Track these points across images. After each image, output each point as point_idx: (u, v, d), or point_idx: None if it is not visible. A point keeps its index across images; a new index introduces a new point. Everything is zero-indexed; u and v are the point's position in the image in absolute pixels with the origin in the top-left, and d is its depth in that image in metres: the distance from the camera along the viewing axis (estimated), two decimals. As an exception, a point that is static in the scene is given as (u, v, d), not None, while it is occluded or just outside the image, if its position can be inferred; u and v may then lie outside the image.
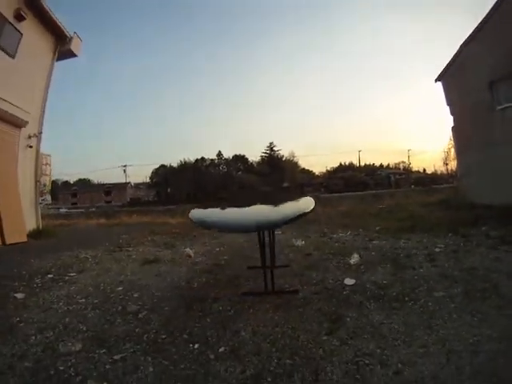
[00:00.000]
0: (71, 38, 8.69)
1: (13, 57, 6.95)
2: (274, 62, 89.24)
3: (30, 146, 7.73)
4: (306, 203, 3.11)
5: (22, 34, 7.19)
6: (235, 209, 3.67)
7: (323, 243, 4.81)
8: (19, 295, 3.06)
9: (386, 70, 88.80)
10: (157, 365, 1.80)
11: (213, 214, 3.46)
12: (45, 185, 8.26)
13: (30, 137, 7.68)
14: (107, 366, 1.79)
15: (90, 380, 1.61)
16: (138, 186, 56.23)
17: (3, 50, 6.70)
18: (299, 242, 4.78)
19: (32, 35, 7.60)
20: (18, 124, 7.18)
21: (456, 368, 1.52)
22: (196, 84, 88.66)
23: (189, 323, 2.34)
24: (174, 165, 46.87)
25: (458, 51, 8.82)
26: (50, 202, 10.59)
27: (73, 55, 9.14)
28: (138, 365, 1.80)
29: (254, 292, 2.90)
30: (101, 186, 56.17)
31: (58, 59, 8.88)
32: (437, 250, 3.82)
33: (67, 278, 3.76)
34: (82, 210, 29.18)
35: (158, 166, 49.96)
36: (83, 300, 2.97)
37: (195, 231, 7.36)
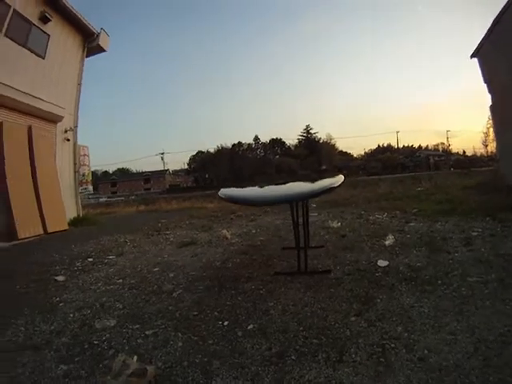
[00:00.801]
0: (98, 34, 9.45)
1: (43, 57, 7.74)
2: (310, 46, 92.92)
3: (67, 139, 8.71)
4: (335, 180, 3.36)
5: (48, 35, 7.92)
6: (269, 186, 4.10)
7: (359, 225, 4.98)
8: (60, 278, 3.49)
9: (423, 49, 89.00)
10: (186, 340, 1.93)
11: (244, 191, 3.86)
12: (84, 174, 9.27)
13: (66, 131, 8.62)
14: (139, 341, 1.96)
15: (122, 353, 1.75)
16: (176, 172, 60.20)
17: (32, 52, 7.45)
18: (335, 224, 4.96)
19: (59, 35, 8.37)
20: (53, 119, 8.04)
21: (483, 359, 1.50)
22: (232, 69, 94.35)
23: (220, 301, 2.46)
24: (212, 150, 50.05)
25: (493, 23, 8.02)
26: (92, 191, 11.86)
27: (102, 50, 9.93)
28: (168, 339, 1.94)
29: (286, 272, 3.01)
30: (140, 174, 60.83)
31: (89, 55, 9.72)
32: (474, 234, 3.84)
33: (106, 260, 4.21)
34: (122, 198, 32.26)
35: (195, 152, 53.83)
36: (121, 281, 3.29)
37: (232, 214, 7.87)
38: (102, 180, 59.88)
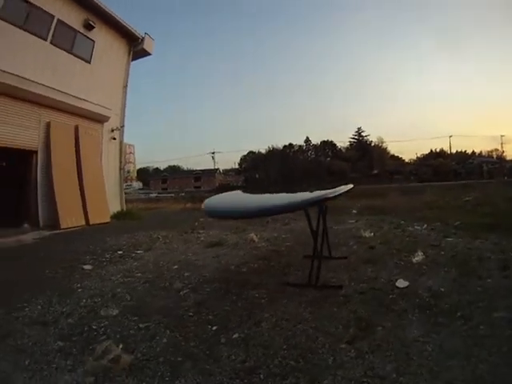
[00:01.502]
0: (143, 38, 10.70)
1: (89, 62, 9.06)
2: (364, 46, 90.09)
3: (114, 138, 9.99)
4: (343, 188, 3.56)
5: (93, 41, 9.23)
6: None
7: (393, 236, 4.92)
8: (87, 267, 4.02)
9: (480, 51, 79.13)
10: (171, 338, 2.08)
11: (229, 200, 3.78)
12: (129, 171, 10.48)
13: (112, 130, 9.91)
14: (131, 331, 2.19)
15: (111, 340, 2.00)
16: (227, 172, 63.57)
17: (79, 57, 8.77)
18: (367, 233, 4.95)
19: (104, 40, 9.71)
20: (100, 120, 9.32)
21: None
22: (283, 70, 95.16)
23: (219, 305, 2.58)
24: (263, 151, 52.57)
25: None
26: (138, 187, 13.33)
27: (147, 54, 11.21)
28: (156, 335, 2.13)
29: (296, 283, 3.02)
30: (190, 172, 64.68)
31: (135, 58, 11.07)
32: (515, 256, 3.56)
33: (134, 254, 4.69)
34: (172, 195, 35.32)
35: (246, 152, 56.80)
36: (139, 274, 3.65)
37: (269, 217, 7.93)
38: (153, 176, 65.76)
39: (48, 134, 7.68)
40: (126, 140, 10.46)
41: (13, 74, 6.53)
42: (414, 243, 4.30)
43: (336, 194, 3.05)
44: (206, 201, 3.44)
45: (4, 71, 6.42)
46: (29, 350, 1.97)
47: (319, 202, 2.90)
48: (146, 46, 10.77)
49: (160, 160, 75.88)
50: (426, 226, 5.60)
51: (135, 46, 10.66)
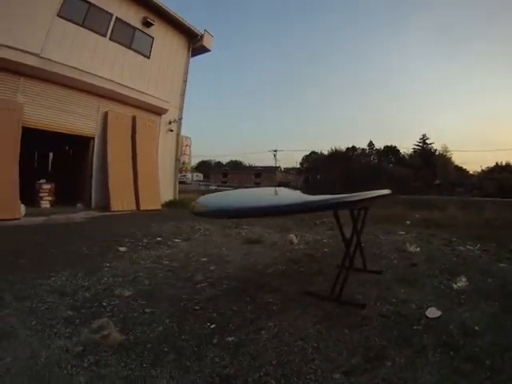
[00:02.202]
0: (202, 35, 11.52)
1: (148, 57, 10.07)
2: (435, 47, 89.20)
3: (171, 130, 10.91)
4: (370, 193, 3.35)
5: (152, 38, 10.21)
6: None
7: (440, 254, 4.74)
8: (122, 249, 4.44)
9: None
10: (167, 327, 2.17)
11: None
12: (184, 163, 11.34)
13: (170, 122, 10.85)
14: (134, 314, 2.36)
15: (113, 318, 2.20)
16: (288, 170, 65.67)
17: (138, 53, 9.77)
18: (413, 248, 4.84)
19: (164, 37, 10.68)
20: (157, 112, 10.26)
21: None
22: (350, 71, 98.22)
23: (229, 304, 2.59)
24: (325, 152, 53.97)
25: None
26: (190, 178, 14.33)
27: (206, 50, 12.04)
28: (155, 321, 2.24)
29: (317, 294, 2.87)
30: (251, 168, 69.13)
31: (195, 54, 11.94)
32: None
33: (170, 242, 5.04)
34: (231, 188, 38.36)
35: (308, 152, 58.41)
36: (167, 262, 3.91)
37: (318, 220, 7.98)
38: (214, 170, 71.62)
39: (105, 123, 8.79)
40: (183, 133, 11.36)
41: (74, 68, 7.69)
42: (461, 265, 4.10)
43: (358, 198, 2.71)
44: (201, 198, 3.24)
45: (66, 65, 7.55)
46: (40, 313, 2.28)
47: (336, 206, 2.57)
48: (205, 42, 11.58)
49: (222, 154, 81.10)
50: (479, 246, 5.33)
51: (194, 43, 11.54)
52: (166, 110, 10.42)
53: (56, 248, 4.28)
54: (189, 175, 11.24)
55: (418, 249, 4.81)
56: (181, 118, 11.27)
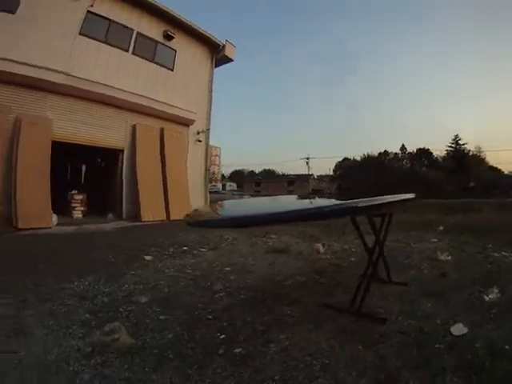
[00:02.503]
0: (224, 45, 12.00)
1: (172, 69, 10.65)
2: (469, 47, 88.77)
3: (199, 141, 11.35)
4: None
5: (175, 50, 10.78)
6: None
7: (473, 262, 4.58)
8: (148, 257, 4.62)
9: None
10: (177, 336, 2.22)
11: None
12: (213, 173, 11.67)
13: (198, 133, 11.31)
14: (147, 320, 2.45)
15: (127, 323, 2.31)
16: (321, 178, 66.91)
17: (161, 65, 10.35)
18: (444, 256, 4.68)
19: (186, 49, 11.24)
20: (185, 123, 10.75)
21: None
22: (379, 74, 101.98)
23: (243, 315, 2.60)
24: (358, 158, 54.51)
25: None
26: (220, 188, 14.70)
27: (229, 60, 12.52)
28: (166, 329, 2.31)
29: (336, 306, 2.79)
30: (284, 176, 70.38)
31: (219, 65, 12.46)
32: None
33: (196, 252, 5.17)
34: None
35: (341, 159, 59.24)
36: (190, 271, 4.01)
37: (348, 227, 7.72)
38: (247, 179, 74.47)
39: (134, 135, 9.39)
40: (213, 143, 11.80)
41: (99, 83, 8.37)
42: (495, 274, 3.87)
43: (370, 203, 2.54)
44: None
45: (91, 80, 8.23)
46: (59, 314, 2.47)
47: (346, 212, 2.39)
48: (228, 52, 12.07)
49: (255, 163, 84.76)
50: (515, 252, 5.13)
51: (217, 53, 12.04)
52: (193, 121, 10.88)
53: (83, 255, 4.62)
54: (219, 185, 11.58)
55: (450, 257, 4.65)
56: (208, 129, 11.73)
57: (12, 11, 7.15)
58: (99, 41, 8.81)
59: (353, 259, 4.74)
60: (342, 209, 2.33)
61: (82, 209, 9.38)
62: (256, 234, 6.95)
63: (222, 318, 2.53)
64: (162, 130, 9.99)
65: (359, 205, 2.34)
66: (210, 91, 11.97)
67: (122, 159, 9.30)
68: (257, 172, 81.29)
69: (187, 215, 4.05)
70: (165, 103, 9.92)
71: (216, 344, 2.12)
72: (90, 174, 13.05)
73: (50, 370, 1.76)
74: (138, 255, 4.72)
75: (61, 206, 8.71)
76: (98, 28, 8.73)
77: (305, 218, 2.51)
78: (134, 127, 9.46)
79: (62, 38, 7.90)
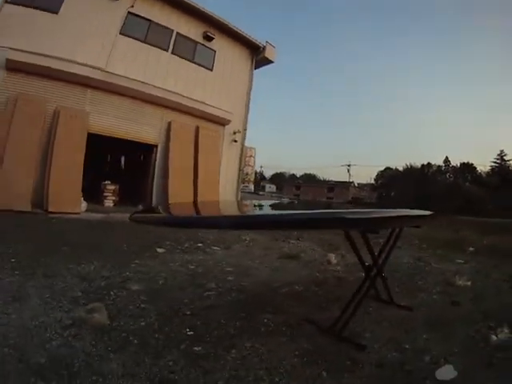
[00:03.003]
0: (264, 47, 12.24)
1: (211, 69, 11.12)
2: None
3: (235, 141, 11.68)
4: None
5: (214, 51, 11.20)
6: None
7: (495, 292, 4.15)
8: (160, 250, 4.90)
9: None
10: (148, 325, 2.43)
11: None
12: (247, 173, 11.93)
13: (234, 133, 11.63)
14: (129, 307, 2.69)
15: (111, 306, 2.61)
16: (362, 186, 67.38)
17: (200, 65, 10.83)
18: (463, 282, 4.37)
19: (226, 50, 11.65)
20: (221, 122, 11.13)
21: None
22: (426, 85, 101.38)
23: (220, 317, 2.70)
24: (400, 168, 54.57)
25: None
26: (253, 189, 14.97)
27: (269, 62, 12.76)
28: (142, 316, 2.53)
29: (317, 324, 2.71)
30: (324, 182, 72.24)
31: (259, 66, 12.79)
32: None
33: (208, 249, 5.36)
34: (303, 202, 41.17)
35: (383, 168, 58.86)
36: (193, 267, 4.21)
37: (381, 237, 7.54)
38: (288, 182, 77.07)
39: (168, 132, 9.93)
40: (256, 145, 12.25)
41: (137, 80, 8.99)
42: None
43: (366, 216, 2.38)
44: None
45: (129, 78, 8.86)
46: (56, 290, 2.85)
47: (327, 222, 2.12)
48: (268, 54, 12.28)
49: (297, 167, 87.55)
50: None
51: (257, 55, 12.32)
52: (229, 121, 11.25)
53: (100, 241, 5.04)
54: (251, 186, 11.84)
55: (469, 283, 4.33)
56: (245, 129, 12.04)
57: (56, 11, 8.07)
58: (139, 40, 9.53)
59: (363, 274, 4.54)
60: (321, 218, 2.07)
61: (114, 198, 10.13)
62: (276, 237, 7.02)
63: (199, 316, 2.67)
64: (197, 128, 10.47)
65: (347, 216, 2.15)
66: (249, 92, 12.29)
67: (156, 154, 9.94)
68: (298, 176, 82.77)
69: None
70: (201, 102, 10.40)
71: (181, 339, 2.25)
72: (125, 166, 14.19)
73: (29, 332, 2.09)
74: (151, 247, 5.04)
75: (94, 194, 9.56)
76: (137, 28, 9.45)
77: (254, 225, 2.35)
78: (169, 124, 10.04)
79: (103, 36, 8.72)
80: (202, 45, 11.00)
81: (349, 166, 60.95)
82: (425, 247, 7.40)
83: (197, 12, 10.59)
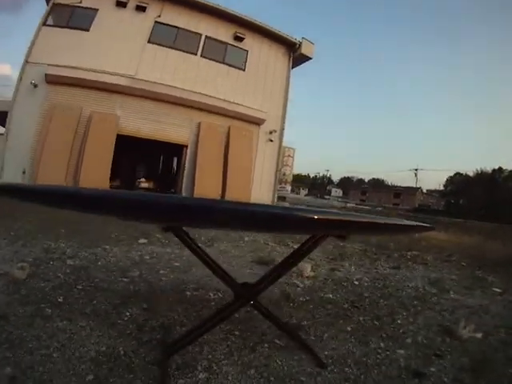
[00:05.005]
0: (300, 43, 13.03)
1: (243, 69, 12.29)
2: None
3: (271, 140, 12.43)
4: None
5: (246, 51, 12.22)
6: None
7: (505, 361, 2.86)
8: (142, 241, 5.64)
9: None
10: (79, 297, 3.20)
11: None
12: (284, 174, 12.58)
13: (270, 132, 12.51)
14: (50, 273, 3.65)
15: (41, 268, 3.78)
16: (430, 192, 70.42)
17: (231, 66, 12.01)
18: (468, 331, 3.12)
19: (259, 49, 12.60)
20: (254, 122, 12.19)
21: None
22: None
23: (96, 298, 3.20)
24: (470, 173, 54.59)
25: None
26: (289, 191, 15.39)
27: (307, 58, 13.51)
28: (53, 282, 3.48)
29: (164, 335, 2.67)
30: (391, 187, 75.40)
31: (298, 63, 13.57)
32: None
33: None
34: (369, 208, 40.14)
35: (453, 173, 60.33)
36: (147, 258, 4.86)
37: (409, 252, 7.68)
38: (354, 186, 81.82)
39: (198, 133, 11.33)
40: (291, 144, 12.89)
41: (165, 85, 10.62)
42: None
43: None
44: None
45: (158, 82, 10.52)
46: (18, 252, 4.32)
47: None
48: (305, 50, 13.13)
49: (365, 171, 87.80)
50: None
51: (294, 52, 13.17)
52: (263, 120, 12.21)
53: (100, 229, 6.14)
54: (288, 187, 12.33)
55: (480, 335, 3.11)
56: (283, 129, 12.73)
57: (87, 29, 10.24)
58: (167, 46, 11.18)
59: (324, 295, 4.01)
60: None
61: (147, 194, 12.07)
62: (285, 241, 7.26)
63: (85, 292, 3.27)
64: (228, 129, 11.66)
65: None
66: (287, 90, 13.12)
67: (186, 154, 11.50)
68: (366, 180, 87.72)
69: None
70: (232, 102, 11.58)
71: (53, 302, 2.99)
72: (157, 165, 16.35)
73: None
74: (139, 237, 5.91)
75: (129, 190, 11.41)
76: (165, 35, 11.08)
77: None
78: (199, 125, 11.43)
79: (132, 46, 10.58)
80: (233, 45, 12.21)
81: (416, 170, 62.32)
82: (463, 265, 6.66)
83: (225, 14, 11.85)
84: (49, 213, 6.97)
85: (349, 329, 3.04)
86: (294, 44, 13.50)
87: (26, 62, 10.62)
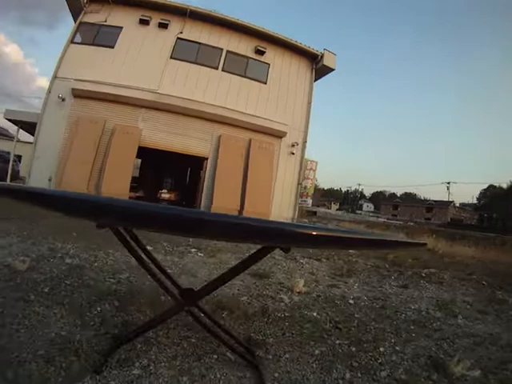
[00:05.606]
0: (322, 55, 13.27)
1: (264, 83, 12.73)
2: None
3: (292, 153, 12.74)
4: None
5: (268, 64, 12.61)
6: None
7: None
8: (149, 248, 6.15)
9: None
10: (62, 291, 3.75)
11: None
12: (305, 187, 12.80)
13: (292, 145, 12.81)
14: (47, 268, 4.16)
15: (42, 263, 4.36)
16: (463, 206, 69.26)
17: (253, 79, 12.52)
18: (461, 368, 2.65)
19: (281, 62, 13.01)
20: (276, 134, 12.51)
21: None
22: None
23: (83, 297, 3.55)
24: (504, 185, 52.20)
25: None
26: (310, 204, 15.40)
27: (330, 70, 13.72)
28: (45, 275, 4.02)
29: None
30: (423, 201, 74.81)
31: (321, 76, 13.81)
32: None
33: (188, 254, 6.14)
34: (400, 223, 40.22)
35: (486, 185, 60.23)
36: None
37: (426, 269, 7.35)
38: (386, 201, 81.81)
39: (218, 145, 11.81)
40: (313, 157, 13.11)
41: (186, 99, 11.25)
42: None
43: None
44: None
45: (179, 97, 11.19)
46: (24, 248, 4.93)
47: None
48: (326, 61, 13.32)
49: (397, 185, 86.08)
50: None
51: (316, 64, 13.43)
52: (285, 133, 12.55)
53: (110, 235, 6.97)
54: (309, 200, 12.48)
55: (477, 373, 2.71)
56: (305, 141, 12.98)
57: (112, 46, 11.26)
58: (189, 61, 11.95)
59: (309, 313, 3.83)
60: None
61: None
62: (295, 256, 7.14)
63: (72, 287, 3.66)
64: (248, 142, 12.16)
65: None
66: (309, 103, 13.27)
67: (206, 166, 12.12)
68: (398, 194, 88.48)
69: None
70: (253, 115, 12.05)
71: (40, 291, 3.47)
72: (179, 177, 17.12)
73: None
74: (145, 245, 6.30)
75: (152, 201, 12.28)
76: (187, 51, 11.88)
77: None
78: (219, 137, 12.00)
79: (155, 62, 11.50)
80: (254, 59, 12.72)
81: (448, 183, 62.62)
82: (483, 284, 6.29)
83: (246, 29, 12.46)
84: (67, 218, 7.69)
85: (317, 352, 2.81)
86: (316, 56, 13.84)
87: (55, 76, 11.92)
